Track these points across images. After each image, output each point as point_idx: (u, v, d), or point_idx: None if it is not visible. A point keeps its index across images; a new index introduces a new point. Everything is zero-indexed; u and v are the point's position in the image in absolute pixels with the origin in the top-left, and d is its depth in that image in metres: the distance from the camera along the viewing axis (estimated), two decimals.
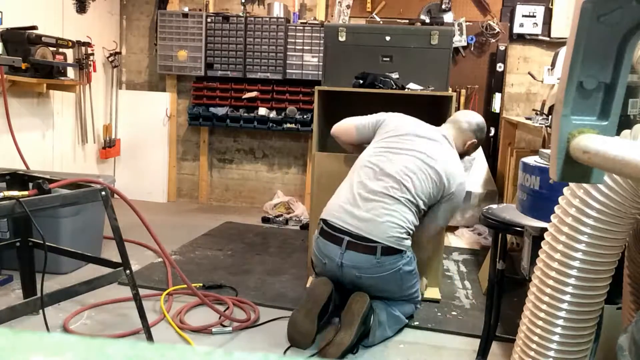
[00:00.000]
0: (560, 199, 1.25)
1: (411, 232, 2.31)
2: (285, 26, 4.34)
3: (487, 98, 4.37)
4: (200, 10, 4.59)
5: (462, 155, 2.54)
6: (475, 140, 2.55)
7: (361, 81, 2.88)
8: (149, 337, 2.04)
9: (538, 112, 3.38)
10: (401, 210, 2.26)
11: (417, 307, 2.48)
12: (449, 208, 2.43)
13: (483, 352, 2.06)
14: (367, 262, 2.21)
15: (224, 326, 2.34)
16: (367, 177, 2.33)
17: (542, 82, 3.60)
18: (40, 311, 1.75)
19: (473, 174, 4.00)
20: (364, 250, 2.21)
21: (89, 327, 2.32)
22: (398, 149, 2.38)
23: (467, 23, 4.27)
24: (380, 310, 2.28)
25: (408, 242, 2.30)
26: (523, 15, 4.25)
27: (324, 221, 2.32)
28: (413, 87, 2.95)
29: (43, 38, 3.38)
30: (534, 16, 4.24)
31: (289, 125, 4.42)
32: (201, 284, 2.77)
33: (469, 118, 2.57)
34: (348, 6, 4.31)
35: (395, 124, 2.50)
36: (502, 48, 4.28)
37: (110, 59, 4.61)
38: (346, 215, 2.26)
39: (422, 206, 2.33)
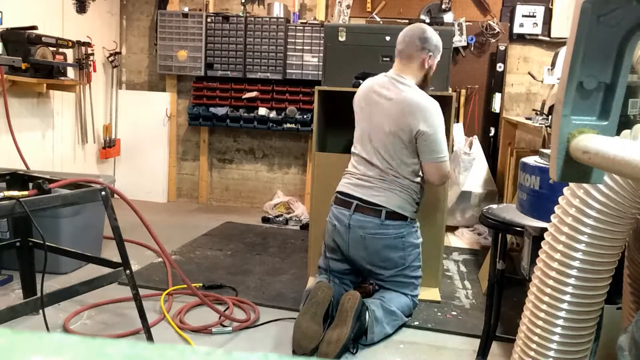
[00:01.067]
0: (560, 199, 1.25)
1: (418, 199, 2.43)
2: (285, 26, 4.34)
3: (487, 98, 4.37)
4: (200, 10, 4.59)
5: (426, 75, 2.48)
6: (430, 52, 2.42)
7: (361, 81, 2.88)
8: (149, 337, 2.04)
9: (538, 112, 3.38)
10: (402, 185, 2.39)
11: (415, 302, 2.48)
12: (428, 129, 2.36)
13: (483, 352, 2.06)
14: (372, 223, 2.36)
15: (224, 326, 2.35)
16: (361, 166, 2.47)
17: (542, 82, 3.60)
18: (40, 311, 1.76)
19: (473, 174, 4.00)
20: (370, 213, 2.36)
21: (89, 327, 2.32)
22: (366, 142, 2.48)
23: (467, 23, 4.27)
24: (375, 307, 2.28)
25: (412, 209, 2.41)
26: (523, 15, 4.25)
27: (339, 192, 2.48)
28: None
29: (43, 38, 3.38)
30: (534, 16, 4.24)
31: (289, 125, 4.42)
32: (201, 284, 2.77)
33: (404, 39, 2.43)
34: (348, 6, 4.31)
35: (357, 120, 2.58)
36: (502, 48, 4.28)
37: (110, 59, 4.61)
38: (359, 188, 2.42)
39: (414, 166, 2.41)
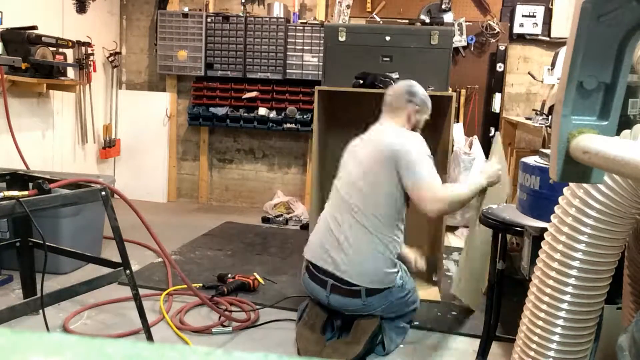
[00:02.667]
0: (560, 199, 1.25)
1: (397, 257, 2.19)
2: (285, 26, 4.34)
3: (487, 98, 4.37)
4: (200, 10, 4.59)
5: (414, 128, 2.31)
6: (417, 106, 2.29)
7: (361, 81, 2.88)
8: (149, 337, 2.04)
9: (538, 112, 3.38)
10: (380, 241, 2.12)
11: (416, 308, 2.44)
12: (410, 166, 2.10)
13: (483, 352, 2.06)
14: (353, 305, 2.15)
15: (224, 326, 2.35)
16: (339, 215, 2.19)
17: (542, 82, 3.61)
18: (40, 311, 1.75)
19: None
20: (348, 294, 2.12)
21: (89, 327, 2.32)
22: (345, 180, 2.26)
23: (467, 23, 4.27)
24: (389, 329, 2.26)
25: (394, 275, 2.15)
26: (523, 15, 4.25)
27: (310, 262, 2.24)
28: None
29: (43, 38, 3.38)
30: (534, 16, 4.24)
31: (289, 125, 4.42)
32: (201, 284, 2.77)
33: (393, 92, 2.33)
34: (348, 6, 4.31)
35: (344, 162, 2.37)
36: (502, 48, 4.28)
37: (110, 59, 4.61)
38: (328, 257, 2.16)
39: (396, 216, 2.16)
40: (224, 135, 4.80)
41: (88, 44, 4.07)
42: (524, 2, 4.24)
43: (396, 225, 2.16)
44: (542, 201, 1.61)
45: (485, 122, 4.39)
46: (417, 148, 2.14)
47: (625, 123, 1.48)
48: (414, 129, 2.30)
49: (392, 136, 2.19)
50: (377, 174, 2.14)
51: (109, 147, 4.62)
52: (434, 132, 3.20)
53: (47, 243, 1.79)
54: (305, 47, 4.35)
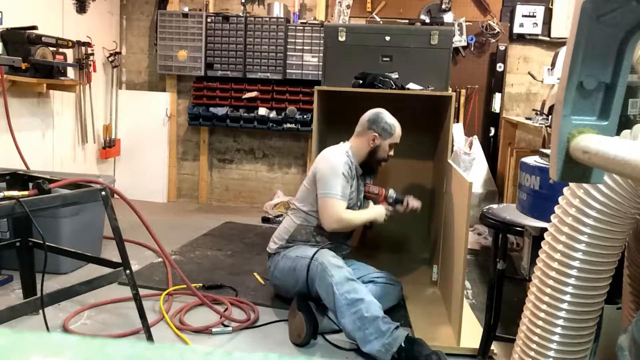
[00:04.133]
0: (560, 199, 1.25)
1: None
2: (285, 26, 4.34)
3: (487, 98, 4.37)
4: (200, 10, 4.59)
5: (373, 151, 2.60)
6: (375, 133, 2.57)
7: (361, 81, 2.88)
8: (149, 337, 2.04)
9: (538, 112, 3.38)
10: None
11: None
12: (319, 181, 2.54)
13: (483, 352, 2.06)
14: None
15: (225, 326, 2.35)
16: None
17: (542, 82, 3.60)
18: (40, 311, 1.75)
19: (473, 174, 4.00)
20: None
21: (89, 327, 2.32)
22: None
23: (467, 23, 4.27)
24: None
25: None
26: (523, 15, 4.25)
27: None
28: (413, 87, 2.95)
29: (43, 38, 3.38)
30: (534, 16, 4.24)
31: (289, 125, 4.42)
32: (201, 284, 2.77)
33: (361, 119, 2.65)
34: (348, 6, 4.31)
35: None
36: (502, 48, 4.28)
37: (110, 59, 4.61)
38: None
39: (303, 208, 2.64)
40: (224, 135, 4.80)
41: (88, 44, 4.07)
42: (524, 2, 4.24)
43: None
44: (542, 201, 1.61)
45: (485, 122, 4.39)
46: (334, 166, 2.49)
47: (625, 123, 1.48)
48: (373, 152, 2.60)
49: (325, 155, 2.60)
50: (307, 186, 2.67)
51: (109, 147, 4.62)
52: (434, 132, 3.20)
53: (47, 243, 1.79)
54: (305, 47, 4.35)
